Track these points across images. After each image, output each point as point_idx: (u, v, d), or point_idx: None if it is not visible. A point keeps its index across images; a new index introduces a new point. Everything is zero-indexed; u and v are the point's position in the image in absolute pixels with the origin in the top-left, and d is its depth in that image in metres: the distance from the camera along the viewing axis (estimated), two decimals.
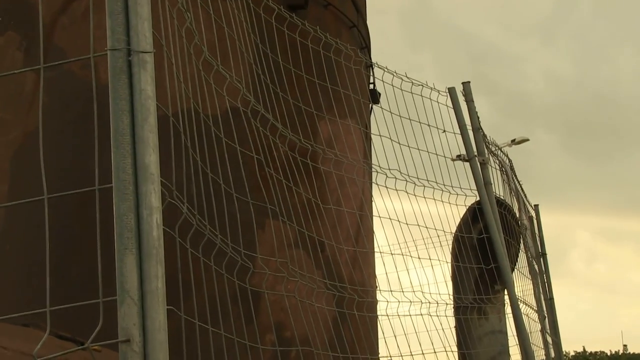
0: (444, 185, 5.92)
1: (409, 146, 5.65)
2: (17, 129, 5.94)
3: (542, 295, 8.49)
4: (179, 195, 2.72)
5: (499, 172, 7.18)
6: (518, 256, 7.69)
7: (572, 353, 35.63)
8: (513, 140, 26.42)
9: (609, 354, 35.93)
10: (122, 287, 2.18)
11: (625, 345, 37.33)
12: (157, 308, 2.20)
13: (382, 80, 5.73)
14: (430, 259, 5.73)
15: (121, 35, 2.36)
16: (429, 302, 5.27)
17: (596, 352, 35.86)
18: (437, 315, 5.33)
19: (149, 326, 2.18)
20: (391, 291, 5.04)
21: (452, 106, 6.35)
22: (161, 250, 2.24)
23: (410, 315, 5.08)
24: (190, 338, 2.97)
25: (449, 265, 6.60)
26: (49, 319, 2.24)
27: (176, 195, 2.67)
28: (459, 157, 6.48)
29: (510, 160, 8.03)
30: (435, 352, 5.19)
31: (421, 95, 5.93)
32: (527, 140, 27.21)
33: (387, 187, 5.27)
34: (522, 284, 7.56)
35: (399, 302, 4.92)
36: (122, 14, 2.36)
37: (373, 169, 5.55)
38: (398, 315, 4.94)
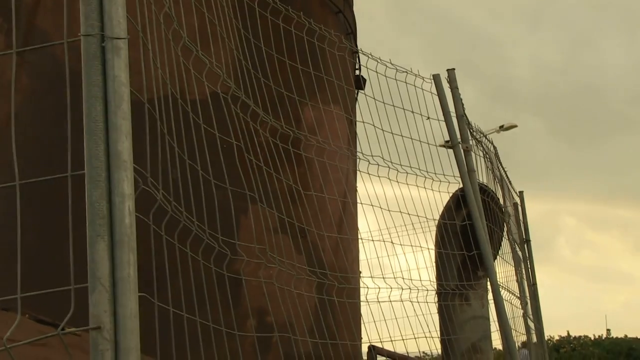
0: (428, 172, 5.93)
1: (392, 133, 5.65)
2: None
3: (525, 282, 8.55)
4: (154, 183, 2.71)
5: (483, 159, 7.20)
6: (501, 243, 7.73)
7: (556, 337, 35.89)
8: (501, 127, 26.55)
9: (592, 338, 36.23)
10: (93, 274, 2.18)
11: (608, 330, 37.69)
12: (129, 295, 2.20)
13: (367, 67, 5.73)
14: (412, 245, 5.75)
15: (95, 21, 2.34)
16: (410, 288, 5.29)
17: (580, 337, 36.16)
18: (418, 302, 5.36)
19: (120, 313, 2.18)
20: (372, 277, 5.06)
21: (436, 93, 6.35)
22: (133, 238, 2.24)
23: (390, 301, 5.10)
24: (166, 325, 2.98)
25: (432, 251, 6.63)
26: (20, 305, 2.24)
27: (151, 182, 2.66)
28: (447, 142, 6.49)
29: (495, 147, 8.05)
30: (415, 339, 5.22)
31: (405, 82, 5.92)
32: (516, 126, 27.34)
33: (369, 174, 5.28)
34: (505, 270, 7.61)
35: (379, 288, 4.93)
36: None
37: (356, 156, 5.55)
38: (378, 302, 4.95)
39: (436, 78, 6.38)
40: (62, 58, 5.69)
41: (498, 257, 7.45)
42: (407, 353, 5.46)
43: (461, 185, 6.35)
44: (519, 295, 7.79)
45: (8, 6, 5.92)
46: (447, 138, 6.47)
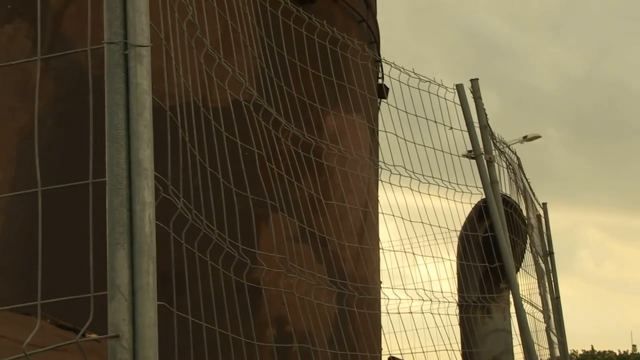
0: (450, 182, 5.89)
1: (414, 142, 5.63)
2: (25, 117, 5.95)
3: (548, 295, 8.45)
4: (175, 191, 2.70)
5: (506, 170, 7.14)
6: (524, 255, 7.66)
7: (580, 352, 35.49)
8: (525, 137, 26.30)
9: (617, 353, 35.76)
10: (112, 282, 2.17)
11: (634, 346, 37.13)
12: (148, 304, 2.18)
13: (389, 76, 5.71)
14: (433, 256, 5.70)
15: (118, 28, 2.35)
16: (431, 300, 5.25)
17: (604, 352, 35.71)
18: (439, 314, 5.31)
19: (139, 322, 2.16)
20: (393, 288, 5.03)
21: (459, 103, 6.32)
22: (153, 246, 2.23)
23: (411, 312, 5.06)
24: (185, 334, 2.97)
25: (453, 263, 6.58)
26: (40, 312, 2.24)
27: (172, 190, 2.66)
28: (470, 152, 6.44)
29: (518, 158, 7.99)
30: (436, 351, 5.17)
31: (428, 92, 5.90)
32: (539, 137, 27.11)
33: (391, 184, 5.26)
34: (527, 283, 7.53)
35: (399, 299, 4.90)
36: (119, 7, 2.35)
37: (378, 165, 5.53)
38: (399, 313, 4.92)
39: (459, 88, 6.34)
40: (86, 65, 5.73)
41: (520, 269, 7.38)
42: None
43: (484, 196, 6.30)
44: (541, 308, 7.71)
45: (36, 12, 5.97)
46: (470, 148, 6.43)
